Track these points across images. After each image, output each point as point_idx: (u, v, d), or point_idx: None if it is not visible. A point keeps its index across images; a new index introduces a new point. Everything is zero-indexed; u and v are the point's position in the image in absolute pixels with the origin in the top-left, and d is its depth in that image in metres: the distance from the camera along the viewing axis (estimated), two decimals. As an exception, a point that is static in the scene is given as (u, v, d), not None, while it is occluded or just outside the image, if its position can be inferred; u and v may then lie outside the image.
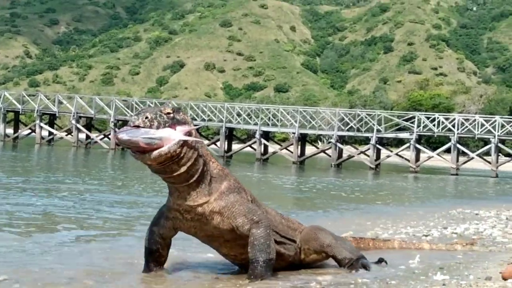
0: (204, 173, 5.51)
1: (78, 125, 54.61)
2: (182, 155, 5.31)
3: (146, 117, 5.22)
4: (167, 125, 5.28)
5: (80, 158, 40.47)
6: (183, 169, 5.35)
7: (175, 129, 5.31)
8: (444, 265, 5.85)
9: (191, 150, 5.39)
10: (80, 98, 58.41)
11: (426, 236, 9.17)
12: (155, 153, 5.15)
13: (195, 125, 5.63)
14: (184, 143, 5.31)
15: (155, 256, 5.82)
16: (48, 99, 58.27)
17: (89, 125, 57.39)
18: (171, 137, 5.24)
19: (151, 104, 53.81)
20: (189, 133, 5.39)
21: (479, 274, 5.11)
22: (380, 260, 5.99)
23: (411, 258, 6.54)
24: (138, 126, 5.18)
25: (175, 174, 5.36)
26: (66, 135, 57.79)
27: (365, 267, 5.92)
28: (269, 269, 5.52)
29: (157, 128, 5.22)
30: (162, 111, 5.33)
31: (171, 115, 5.33)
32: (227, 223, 5.54)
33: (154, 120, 5.22)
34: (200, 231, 5.67)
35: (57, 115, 56.98)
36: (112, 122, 53.69)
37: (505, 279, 4.71)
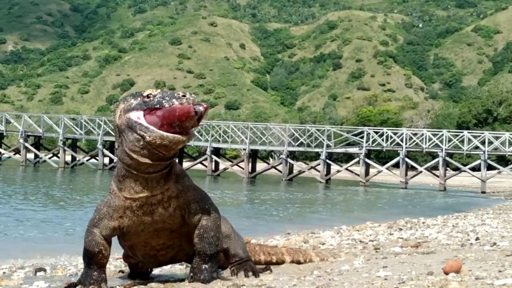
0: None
1: (26, 144, 53.88)
2: None
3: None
4: None
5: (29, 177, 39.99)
6: (177, 151, 5.08)
7: None
8: (388, 264, 5.95)
9: None
10: (28, 116, 57.75)
11: (372, 241, 9.31)
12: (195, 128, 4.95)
13: None
14: None
15: (98, 258, 5.29)
16: (-5, 118, 57.34)
17: (38, 144, 56.57)
18: None
19: (100, 123, 53.48)
20: None
21: (422, 270, 5.21)
22: (267, 268, 5.91)
23: (355, 259, 6.66)
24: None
25: (172, 156, 5.07)
26: (14, 154, 57.00)
27: (254, 272, 5.69)
28: (216, 263, 5.36)
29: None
30: None
31: None
32: (182, 208, 5.25)
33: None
34: (149, 226, 5.27)
35: (4, 134, 56.18)
36: (61, 140, 53.11)
37: (446, 273, 4.81)
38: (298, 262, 6.76)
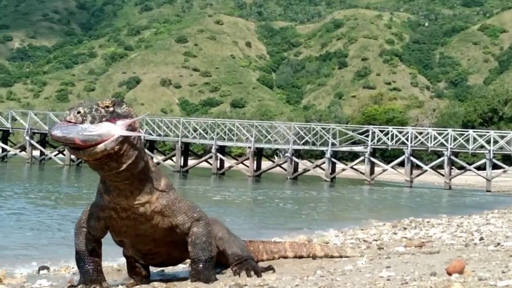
0: (145, 171, 5.19)
1: (32, 141, 53.87)
2: (122, 152, 4.93)
3: (78, 112, 4.81)
4: (104, 119, 4.87)
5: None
6: (123, 166, 4.98)
7: (115, 123, 4.90)
8: (391, 264, 5.93)
9: (132, 147, 5.02)
10: (34, 114, 57.75)
11: (376, 241, 9.29)
12: (90, 149, 4.77)
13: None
14: (125, 139, 4.94)
15: (93, 255, 5.38)
16: (1, 115, 57.27)
17: (43, 141, 56.57)
18: (111, 133, 4.86)
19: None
20: (131, 127, 5.01)
21: (425, 271, 5.19)
22: (270, 268, 5.91)
23: (359, 259, 6.64)
24: (70, 122, 4.80)
25: (114, 172, 4.98)
26: (20, 151, 57.02)
27: (256, 271, 5.73)
28: (212, 267, 5.43)
29: (91, 123, 4.81)
30: (100, 105, 4.92)
31: (110, 108, 4.94)
32: (167, 221, 5.34)
33: (88, 115, 4.82)
34: (131, 230, 5.37)
35: (10, 131, 56.12)
36: (66, 138, 52.96)
37: (449, 274, 4.79)
38: (301, 257, 6.83)
